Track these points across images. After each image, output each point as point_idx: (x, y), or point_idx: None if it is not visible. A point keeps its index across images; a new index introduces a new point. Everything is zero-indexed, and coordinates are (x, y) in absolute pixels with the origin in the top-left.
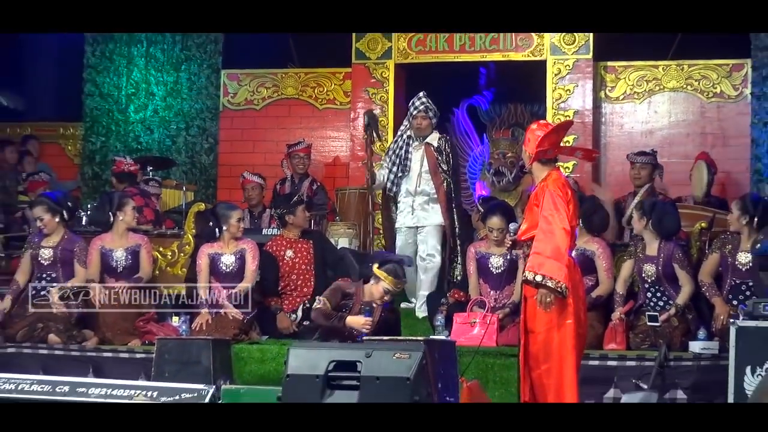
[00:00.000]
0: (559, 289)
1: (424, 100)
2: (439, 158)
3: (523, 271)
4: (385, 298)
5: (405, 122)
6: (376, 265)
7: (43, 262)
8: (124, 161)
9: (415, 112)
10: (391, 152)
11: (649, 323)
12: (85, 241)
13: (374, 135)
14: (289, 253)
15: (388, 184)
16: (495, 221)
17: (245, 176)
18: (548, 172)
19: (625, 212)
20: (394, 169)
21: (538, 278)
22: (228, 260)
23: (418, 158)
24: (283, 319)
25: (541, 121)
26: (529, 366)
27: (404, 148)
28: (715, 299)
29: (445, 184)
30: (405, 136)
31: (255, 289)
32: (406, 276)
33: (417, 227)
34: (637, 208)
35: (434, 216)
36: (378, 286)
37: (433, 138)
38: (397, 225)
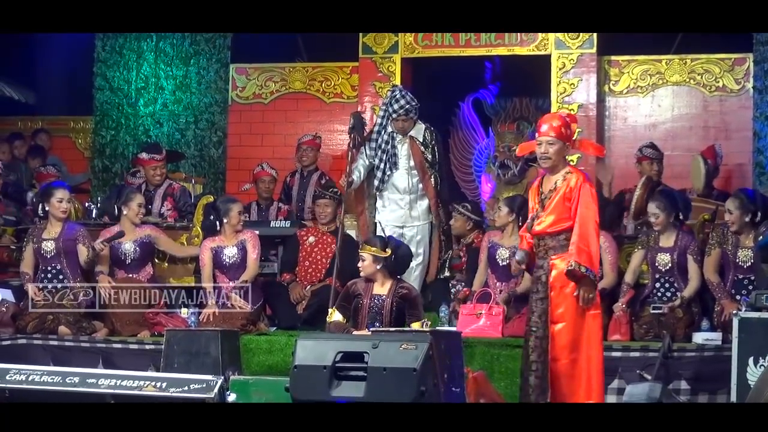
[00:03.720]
0: (596, 282)
1: (402, 102)
2: (425, 151)
3: (569, 262)
4: (377, 267)
5: (382, 113)
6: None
7: (46, 255)
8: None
9: (395, 116)
10: (376, 147)
11: (652, 311)
12: (92, 233)
13: (358, 138)
14: (311, 239)
15: (376, 182)
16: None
17: (264, 168)
18: (568, 167)
19: (630, 205)
20: (383, 166)
21: (583, 270)
22: (230, 252)
23: (404, 153)
24: (296, 288)
25: (566, 113)
26: (552, 356)
27: (390, 143)
28: (723, 301)
29: (432, 179)
30: (389, 131)
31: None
32: (389, 247)
33: (404, 226)
34: (659, 207)
35: (422, 214)
36: (367, 262)
37: (418, 131)
38: (378, 219)
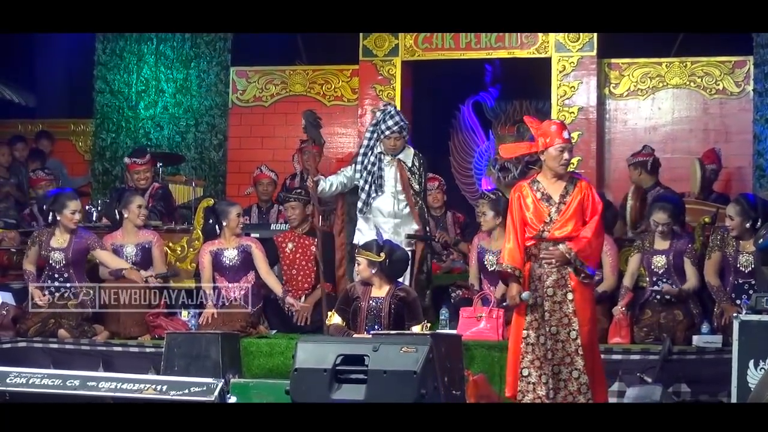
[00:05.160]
0: (592, 278)
1: (397, 119)
2: (411, 177)
3: (570, 248)
4: (373, 271)
5: (369, 134)
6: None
7: (54, 264)
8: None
9: (388, 133)
10: (361, 169)
11: (653, 292)
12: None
13: (313, 138)
14: (290, 245)
15: (360, 204)
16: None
17: (262, 170)
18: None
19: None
20: (367, 188)
21: (578, 264)
22: (231, 254)
23: (391, 176)
24: (291, 301)
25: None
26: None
27: (377, 165)
28: (723, 304)
29: (417, 207)
30: (377, 152)
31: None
32: (384, 252)
33: None
34: (664, 210)
35: (403, 240)
36: (362, 266)
37: (407, 155)
38: (356, 241)
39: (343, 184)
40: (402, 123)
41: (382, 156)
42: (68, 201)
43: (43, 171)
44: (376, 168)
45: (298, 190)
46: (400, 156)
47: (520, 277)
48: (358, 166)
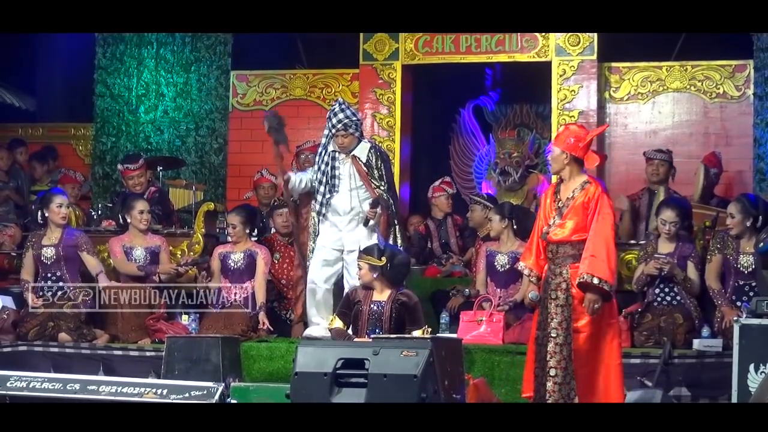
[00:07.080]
0: (612, 292)
1: (341, 117)
2: (369, 172)
3: (580, 274)
4: (374, 276)
5: (326, 131)
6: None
7: (46, 261)
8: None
9: (333, 131)
10: (317, 169)
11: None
12: (93, 240)
13: (278, 140)
14: (277, 256)
15: (317, 206)
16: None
17: (263, 174)
18: (586, 177)
19: (641, 210)
20: (322, 188)
21: (596, 281)
22: (237, 258)
23: (346, 174)
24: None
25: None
26: (576, 364)
27: (330, 164)
28: (724, 308)
29: (377, 189)
30: (330, 150)
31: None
32: (385, 256)
33: (342, 250)
34: (672, 209)
35: (365, 237)
36: (364, 271)
37: (362, 150)
38: (320, 242)
39: (310, 179)
40: (347, 120)
41: (336, 154)
42: (54, 196)
43: (71, 172)
44: (329, 167)
45: (294, 199)
46: (355, 152)
47: (531, 277)
48: (315, 166)
